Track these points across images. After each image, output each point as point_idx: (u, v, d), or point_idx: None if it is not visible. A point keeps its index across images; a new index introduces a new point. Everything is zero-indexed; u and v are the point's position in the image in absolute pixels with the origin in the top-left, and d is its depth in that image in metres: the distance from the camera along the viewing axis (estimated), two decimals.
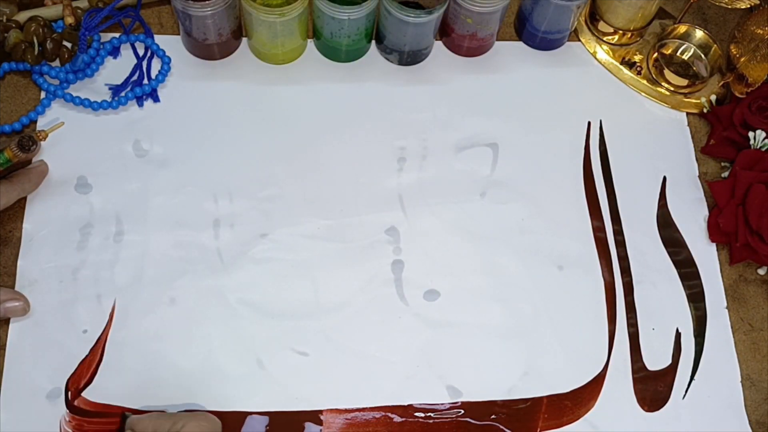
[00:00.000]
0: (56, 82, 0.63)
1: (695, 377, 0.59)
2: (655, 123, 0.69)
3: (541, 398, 0.57)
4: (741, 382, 0.59)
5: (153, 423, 0.49)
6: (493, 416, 0.56)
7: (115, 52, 0.65)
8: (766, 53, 0.65)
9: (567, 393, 0.57)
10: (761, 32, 0.65)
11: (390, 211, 0.62)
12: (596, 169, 0.66)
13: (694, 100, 0.69)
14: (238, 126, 0.64)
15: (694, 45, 0.70)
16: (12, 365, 0.54)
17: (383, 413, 0.55)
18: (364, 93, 0.66)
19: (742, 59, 0.66)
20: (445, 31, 0.68)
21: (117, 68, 0.65)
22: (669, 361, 0.59)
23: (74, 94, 0.62)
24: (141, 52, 0.66)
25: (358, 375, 0.56)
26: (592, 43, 0.71)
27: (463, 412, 0.56)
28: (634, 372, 0.58)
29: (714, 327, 0.61)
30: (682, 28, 0.70)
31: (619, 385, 0.58)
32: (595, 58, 0.71)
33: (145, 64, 0.65)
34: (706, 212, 0.65)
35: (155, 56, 0.65)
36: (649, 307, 0.61)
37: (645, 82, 0.70)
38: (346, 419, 0.55)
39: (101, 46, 0.63)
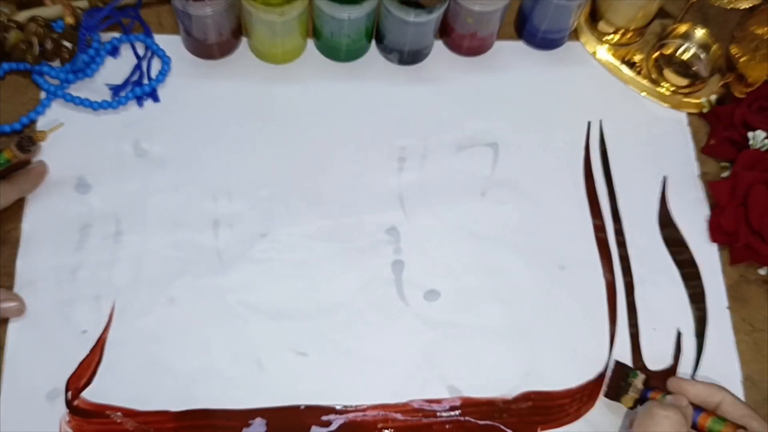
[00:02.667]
0: (56, 82, 0.63)
1: (696, 377, 0.59)
2: (656, 123, 0.69)
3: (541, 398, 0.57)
4: (742, 382, 0.59)
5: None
6: (493, 416, 0.56)
7: (114, 51, 0.65)
8: (767, 53, 0.65)
9: (567, 393, 0.57)
10: (762, 32, 0.65)
11: (390, 210, 0.62)
12: (596, 169, 0.66)
13: (694, 100, 0.69)
14: (237, 125, 0.64)
15: (695, 45, 0.69)
16: (12, 365, 0.54)
17: (384, 413, 0.55)
18: (364, 93, 0.66)
19: (743, 59, 0.66)
20: (445, 31, 0.68)
21: (117, 68, 0.65)
22: (670, 362, 0.59)
23: (74, 94, 0.62)
24: (141, 52, 0.66)
25: (359, 375, 0.56)
26: (593, 42, 0.71)
27: (463, 412, 0.56)
28: None
29: (715, 327, 0.60)
30: (682, 28, 0.70)
31: None
32: (596, 57, 0.71)
33: (144, 63, 0.65)
34: (707, 212, 0.65)
35: (155, 56, 0.65)
36: (650, 307, 0.61)
37: (645, 81, 0.70)
38: (347, 419, 0.55)
39: (101, 46, 0.63)
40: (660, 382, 0.53)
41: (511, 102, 0.67)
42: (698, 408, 0.51)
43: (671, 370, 0.58)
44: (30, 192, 0.59)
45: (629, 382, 0.51)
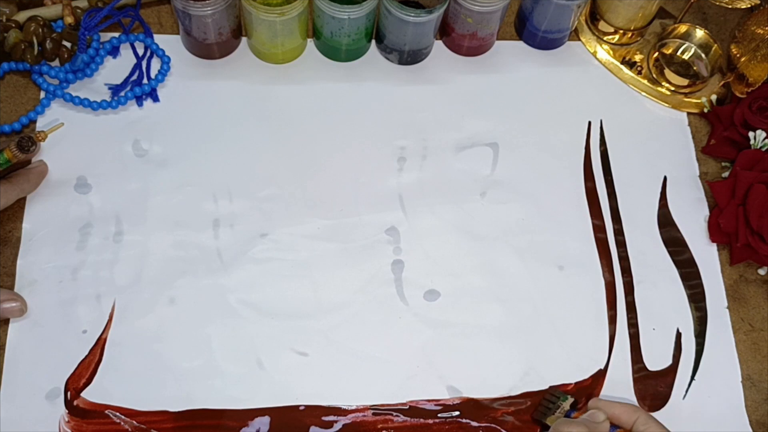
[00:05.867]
0: (56, 81, 0.63)
1: (696, 377, 0.59)
2: (656, 123, 0.69)
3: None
4: (741, 382, 0.59)
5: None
6: (493, 416, 0.56)
7: (114, 51, 0.65)
8: (767, 53, 0.64)
9: (567, 393, 0.57)
10: (762, 32, 0.65)
11: (390, 211, 0.62)
12: (597, 169, 0.66)
13: (694, 100, 0.69)
14: (237, 125, 0.64)
15: (695, 45, 0.69)
16: (11, 365, 0.54)
17: (383, 413, 0.55)
18: (364, 93, 0.66)
19: (743, 59, 0.66)
20: (445, 31, 0.68)
21: (116, 68, 0.65)
22: (669, 361, 0.59)
23: (74, 94, 0.62)
24: (140, 52, 0.66)
25: (358, 375, 0.56)
26: (593, 42, 0.71)
27: (462, 412, 0.56)
28: (634, 372, 0.58)
29: (714, 327, 0.61)
30: (682, 28, 0.70)
31: (619, 385, 0.58)
32: (596, 57, 0.71)
33: (144, 63, 0.65)
34: (707, 212, 0.65)
35: (155, 56, 0.65)
36: (649, 307, 0.61)
37: (645, 81, 0.70)
38: (347, 419, 0.55)
39: (101, 46, 0.63)
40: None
41: (511, 102, 0.67)
42: (615, 426, 0.53)
43: (671, 370, 0.59)
44: (30, 192, 0.59)
45: (557, 405, 0.54)
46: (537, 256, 0.61)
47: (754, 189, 0.62)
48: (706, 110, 0.68)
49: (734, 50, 0.67)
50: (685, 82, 0.69)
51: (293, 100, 0.65)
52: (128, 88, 0.64)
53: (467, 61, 0.69)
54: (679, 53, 0.70)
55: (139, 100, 0.63)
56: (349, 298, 0.58)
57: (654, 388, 0.58)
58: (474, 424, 0.55)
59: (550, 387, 0.56)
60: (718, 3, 0.66)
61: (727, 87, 0.69)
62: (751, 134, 0.65)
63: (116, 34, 0.65)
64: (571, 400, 0.53)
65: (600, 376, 0.58)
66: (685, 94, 0.69)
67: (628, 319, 0.60)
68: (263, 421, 0.54)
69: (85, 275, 0.57)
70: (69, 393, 0.53)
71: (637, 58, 0.71)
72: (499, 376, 0.57)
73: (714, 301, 0.62)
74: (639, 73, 0.70)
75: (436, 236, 0.61)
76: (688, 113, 0.69)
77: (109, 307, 0.56)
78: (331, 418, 0.55)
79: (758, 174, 0.63)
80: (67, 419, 0.52)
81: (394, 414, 0.55)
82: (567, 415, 0.53)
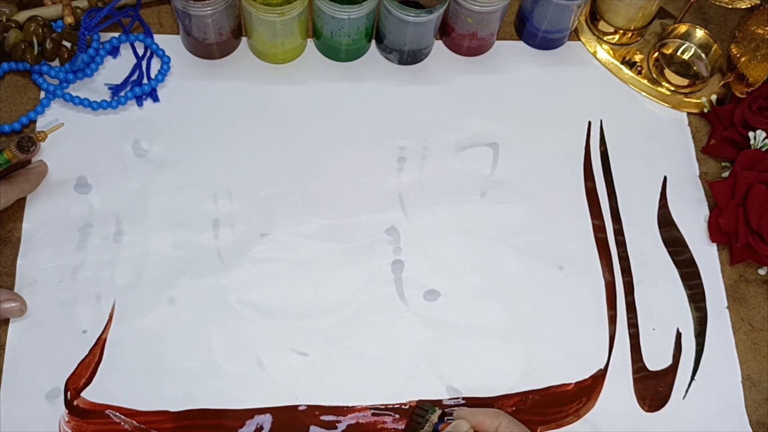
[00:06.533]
0: (56, 81, 0.63)
1: (696, 377, 0.59)
2: (656, 123, 0.69)
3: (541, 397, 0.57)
4: (741, 382, 0.59)
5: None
6: None
7: (114, 51, 0.65)
8: (767, 53, 0.65)
9: (567, 393, 0.57)
10: (762, 32, 0.65)
11: (390, 211, 0.62)
12: (597, 169, 0.66)
13: (694, 100, 0.69)
14: (237, 125, 0.64)
15: (695, 45, 0.70)
16: (11, 365, 0.54)
17: (383, 413, 0.55)
18: (364, 93, 0.66)
19: (743, 59, 0.66)
20: (445, 31, 0.68)
21: (116, 68, 0.65)
22: (669, 361, 0.59)
23: (74, 94, 0.62)
24: (140, 52, 0.66)
25: (358, 375, 0.56)
26: (593, 42, 0.71)
27: None
28: (634, 372, 0.58)
29: (714, 327, 0.61)
30: (682, 28, 0.70)
31: (619, 385, 0.58)
32: (596, 57, 0.71)
33: (144, 63, 0.65)
34: (707, 212, 0.65)
35: (155, 56, 0.65)
36: (649, 307, 0.61)
37: (645, 81, 0.70)
38: (347, 419, 0.55)
39: (101, 46, 0.63)
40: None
41: (511, 102, 0.67)
42: None
43: (671, 370, 0.59)
44: (30, 192, 0.59)
45: (426, 418, 0.53)
46: (537, 257, 0.61)
47: (754, 189, 0.62)
48: (706, 110, 0.68)
49: (734, 50, 0.67)
50: (685, 82, 0.69)
51: (293, 100, 0.65)
52: (128, 88, 0.64)
53: (467, 61, 0.69)
54: (679, 53, 0.70)
55: (139, 100, 0.63)
56: (349, 298, 0.58)
57: (654, 388, 0.58)
58: None
59: (419, 401, 0.55)
60: (718, 3, 0.66)
61: (727, 87, 0.69)
62: (751, 134, 0.65)
63: (116, 34, 0.65)
64: (438, 412, 0.53)
65: (600, 376, 0.58)
66: (685, 94, 0.69)
67: (628, 319, 0.60)
68: (265, 419, 0.54)
69: (85, 275, 0.57)
70: (69, 393, 0.53)
71: (637, 58, 0.71)
72: (499, 376, 0.57)
73: (714, 301, 0.62)
74: (639, 73, 0.70)
75: (436, 236, 0.61)
76: (688, 113, 0.69)
77: (109, 307, 0.56)
78: (331, 418, 0.55)
79: (758, 174, 0.63)
80: (67, 419, 0.52)
81: (394, 414, 0.55)
82: (435, 427, 0.53)
